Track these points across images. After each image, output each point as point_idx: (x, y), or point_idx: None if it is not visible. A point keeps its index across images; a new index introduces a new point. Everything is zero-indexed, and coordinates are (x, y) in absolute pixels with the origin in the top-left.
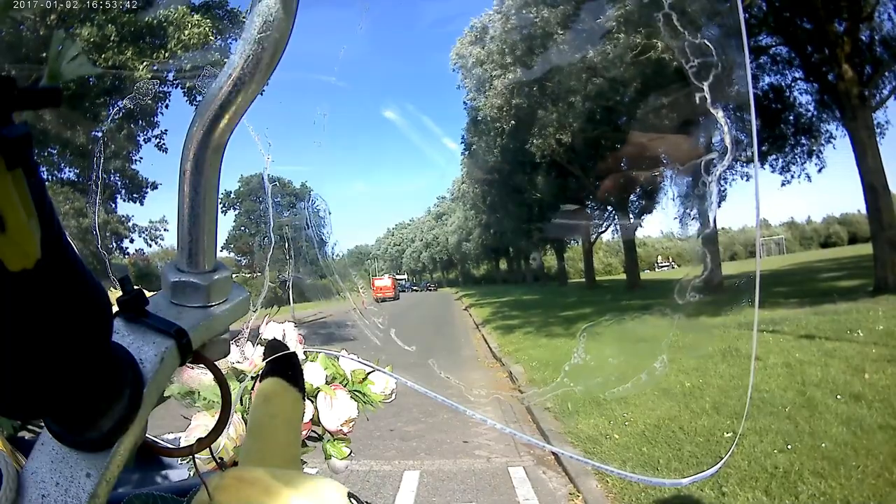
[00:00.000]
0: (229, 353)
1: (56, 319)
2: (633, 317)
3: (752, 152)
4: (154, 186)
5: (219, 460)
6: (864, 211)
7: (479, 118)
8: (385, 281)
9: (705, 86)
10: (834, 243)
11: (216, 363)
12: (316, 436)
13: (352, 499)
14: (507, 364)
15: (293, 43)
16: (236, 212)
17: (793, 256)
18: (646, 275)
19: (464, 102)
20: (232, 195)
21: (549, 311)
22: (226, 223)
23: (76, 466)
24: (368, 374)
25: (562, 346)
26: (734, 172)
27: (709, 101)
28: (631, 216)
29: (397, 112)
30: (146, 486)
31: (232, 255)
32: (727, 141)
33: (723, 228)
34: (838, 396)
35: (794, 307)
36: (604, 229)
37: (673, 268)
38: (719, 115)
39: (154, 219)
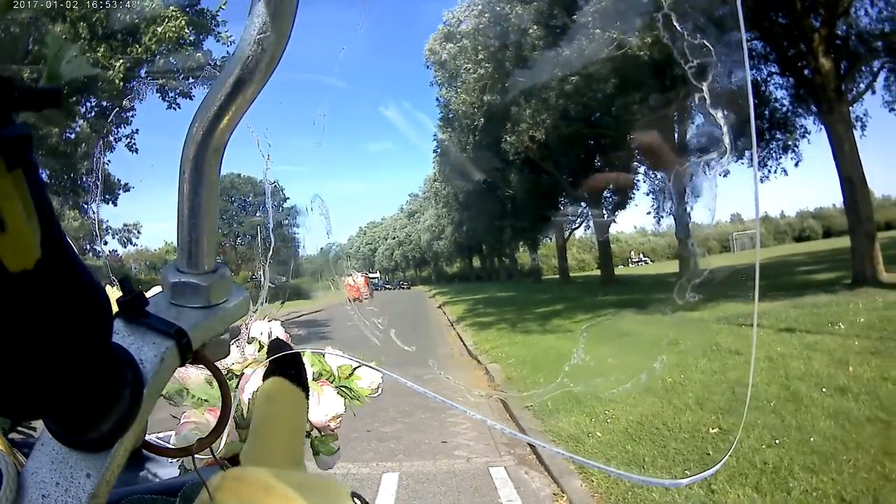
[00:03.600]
0: (229, 353)
1: (56, 319)
2: (613, 315)
3: (751, 152)
4: (126, 188)
5: (219, 460)
6: (838, 205)
7: (451, 115)
8: (358, 279)
9: (704, 86)
10: (808, 237)
11: (216, 363)
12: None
13: (355, 498)
14: (483, 362)
15: (293, 43)
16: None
17: (767, 250)
18: (620, 270)
19: (436, 99)
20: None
21: (524, 308)
22: None
23: (76, 466)
24: (355, 369)
25: (538, 342)
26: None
27: (708, 101)
28: (605, 212)
29: (395, 110)
30: (134, 485)
31: None
32: (726, 141)
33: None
34: (823, 389)
35: (772, 300)
36: (577, 225)
37: (647, 263)
38: (718, 115)
39: (128, 221)
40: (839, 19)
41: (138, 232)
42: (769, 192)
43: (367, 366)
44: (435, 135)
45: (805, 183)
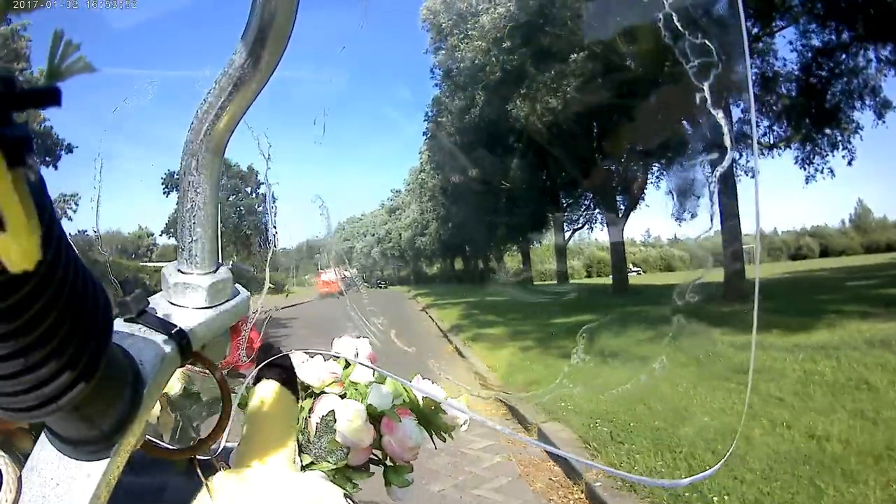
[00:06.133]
0: (229, 353)
1: (56, 320)
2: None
3: (750, 151)
4: (70, 149)
5: (217, 462)
6: (832, 224)
7: (453, 71)
8: (331, 275)
9: (705, 86)
10: (805, 256)
11: (215, 363)
12: (377, 459)
13: (348, 499)
14: (534, 422)
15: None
16: (179, 194)
17: (770, 266)
18: None
19: (431, 70)
20: (176, 176)
21: (537, 318)
22: (168, 205)
23: (76, 467)
24: (440, 403)
25: (607, 376)
26: (740, 168)
27: (709, 101)
28: (619, 212)
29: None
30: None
31: (173, 240)
32: (727, 141)
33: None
34: None
35: (872, 322)
36: (580, 225)
37: (639, 273)
38: (719, 116)
39: (66, 191)
40: None
41: (76, 204)
42: (789, 201)
43: (450, 405)
44: (426, 114)
45: (804, 200)
